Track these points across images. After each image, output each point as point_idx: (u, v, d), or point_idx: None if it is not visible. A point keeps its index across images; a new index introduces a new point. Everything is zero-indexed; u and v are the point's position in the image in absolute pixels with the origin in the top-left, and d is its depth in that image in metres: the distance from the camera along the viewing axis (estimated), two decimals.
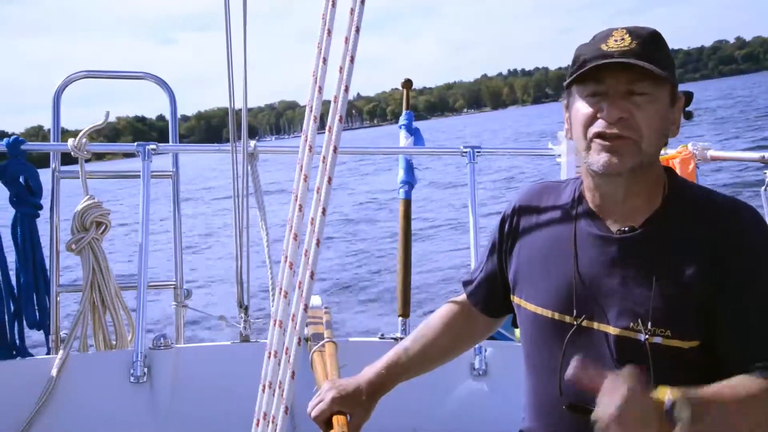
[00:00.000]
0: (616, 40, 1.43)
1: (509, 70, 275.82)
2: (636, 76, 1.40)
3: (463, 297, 1.84)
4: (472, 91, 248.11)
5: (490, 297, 1.77)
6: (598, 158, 1.42)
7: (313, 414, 1.68)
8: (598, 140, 1.42)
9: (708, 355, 1.38)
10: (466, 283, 1.84)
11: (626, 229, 1.47)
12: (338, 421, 1.64)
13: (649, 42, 1.43)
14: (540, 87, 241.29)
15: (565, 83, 1.50)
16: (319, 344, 2.39)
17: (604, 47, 1.43)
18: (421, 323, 1.87)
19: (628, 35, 1.43)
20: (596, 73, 1.42)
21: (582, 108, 1.46)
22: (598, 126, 1.42)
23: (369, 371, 1.76)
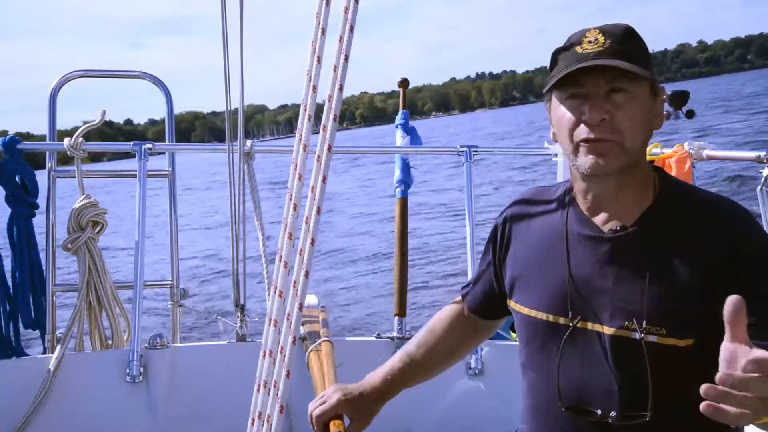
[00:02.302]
0: (590, 41, 1.43)
1: (477, 74, 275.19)
2: (614, 75, 1.39)
3: (460, 300, 1.84)
4: (440, 95, 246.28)
5: (487, 303, 1.77)
6: (585, 161, 1.42)
7: (315, 413, 1.67)
8: (584, 144, 1.42)
9: (703, 354, 1.36)
10: (464, 292, 1.84)
11: (618, 228, 1.46)
12: (335, 425, 1.64)
13: (623, 39, 1.42)
14: (507, 90, 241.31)
15: (544, 90, 1.50)
16: (316, 343, 2.39)
17: (579, 50, 1.43)
18: (423, 328, 1.87)
19: (601, 35, 1.42)
20: (574, 76, 1.41)
21: (564, 112, 1.45)
22: (582, 131, 1.42)
23: (374, 377, 1.75)
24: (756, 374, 1.05)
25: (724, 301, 1.36)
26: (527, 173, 19.59)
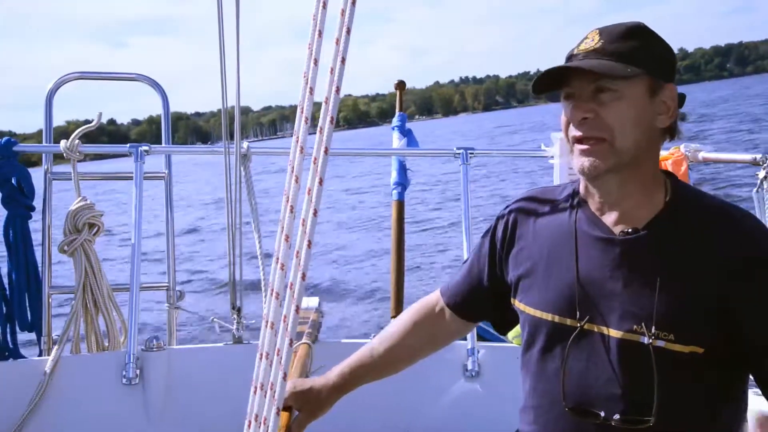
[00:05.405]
0: (586, 41, 1.46)
1: (461, 78, 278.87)
2: (598, 75, 1.40)
3: (436, 296, 1.81)
4: (423, 98, 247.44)
5: (469, 301, 1.75)
6: (577, 162, 1.44)
7: None
8: (576, 144, 1.44)
9: (711, 362, 1.36)
10: (444, 285, 1.81)
11: (629, 230, 1.45)
12: (281, 417, 1.64)
13: (619, 38, 1.43)
14: (490, 94, 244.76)
15: (530, 88, 1.53)
16: (296, 345, 2.39)
17: (575, 50, 1.46)
18: (391, 322, 1.86)
19: (597, 35, 1.45)
20: (566, 76, 1.44)
21: (562, 111, 1.48)
22: (572, 130, 1.45)
23: (332, 372, 1.76)
24: None
25: (734, 309, 1.36)
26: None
